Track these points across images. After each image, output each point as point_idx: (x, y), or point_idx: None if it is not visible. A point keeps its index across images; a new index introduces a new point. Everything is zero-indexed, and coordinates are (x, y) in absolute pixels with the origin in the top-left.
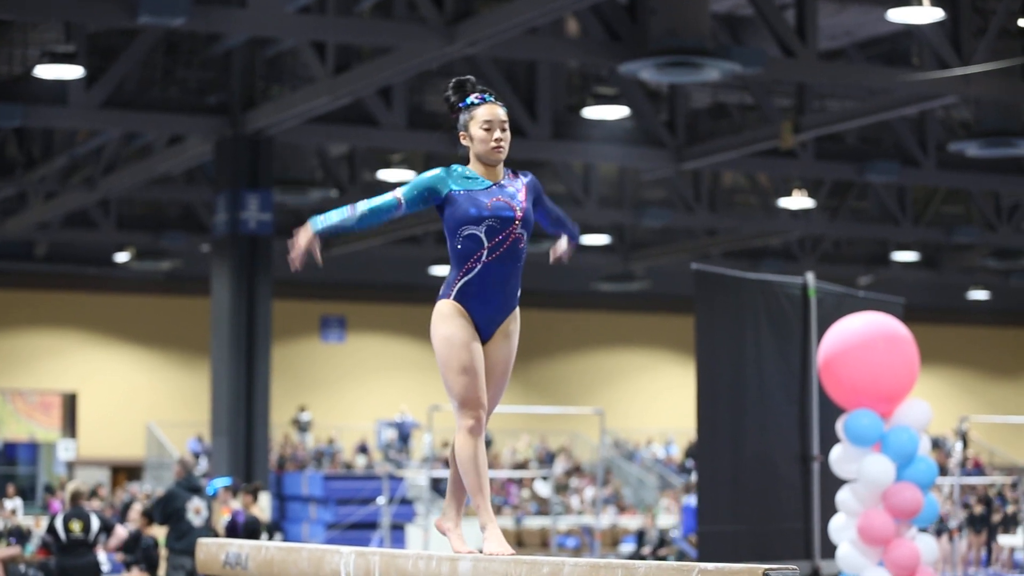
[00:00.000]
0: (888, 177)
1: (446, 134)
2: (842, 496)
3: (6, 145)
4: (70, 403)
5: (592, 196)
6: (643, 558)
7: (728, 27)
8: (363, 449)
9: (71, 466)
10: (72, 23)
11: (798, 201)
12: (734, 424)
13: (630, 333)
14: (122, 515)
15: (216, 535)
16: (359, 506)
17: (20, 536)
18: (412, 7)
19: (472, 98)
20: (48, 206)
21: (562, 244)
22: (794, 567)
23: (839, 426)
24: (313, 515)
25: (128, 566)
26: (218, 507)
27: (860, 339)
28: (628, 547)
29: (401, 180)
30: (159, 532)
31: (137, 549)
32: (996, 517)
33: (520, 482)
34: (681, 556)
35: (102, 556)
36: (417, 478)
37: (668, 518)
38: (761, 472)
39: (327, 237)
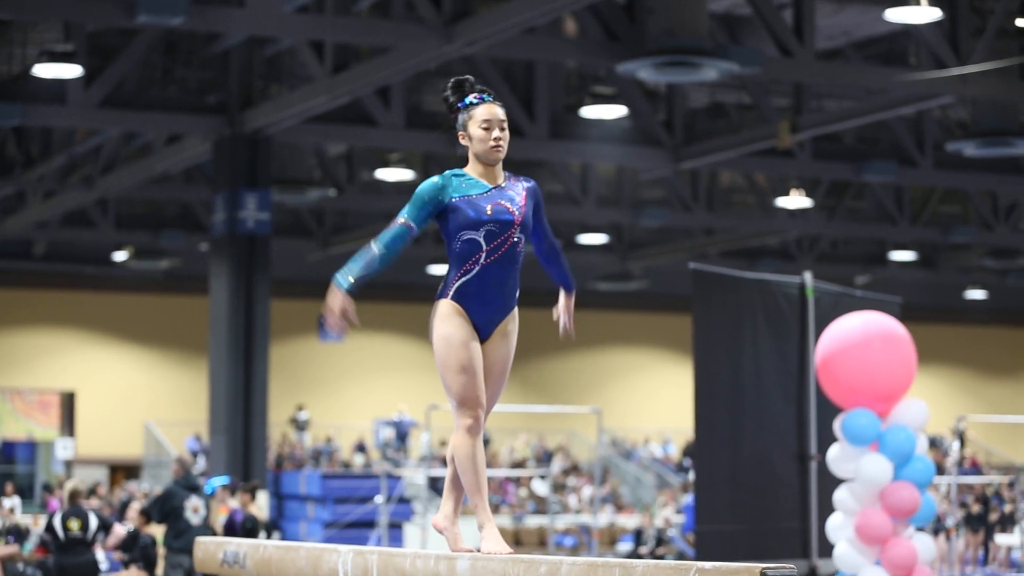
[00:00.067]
0: (885, 177)
1: (445, 134)
2: (839, 495)
3: (5, 144)
4: (68, 402)
5: (590, 196)
6: (641, 557)
7: (726, 27)
8: (361, 448)
9: (69, 465)
10: (71, 22)
11: (795, 201)
12: (732, 423)
13: (628, 332)
14: (120, 514)
15: (214, 534)
16: (357, 505)
17: (18, 535)
18: (410, 7)
19: (471, 98)
20: (47, 205)
21: (562, 306)
22: (792, 566)
23: (836, 425)
24: (311, 514)
25: (126, 564)
26: (216, 506)
27: (857, 338)
28: (626, 546)
29: (399, 180)
30: (157, 531)
31: (135, 548)
32: (993, 516)
33: (518, 481)
34: (681, 556)
35: (100, 554)
36: (415, 477)
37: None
38: (759, 471)
39: (355, 289)
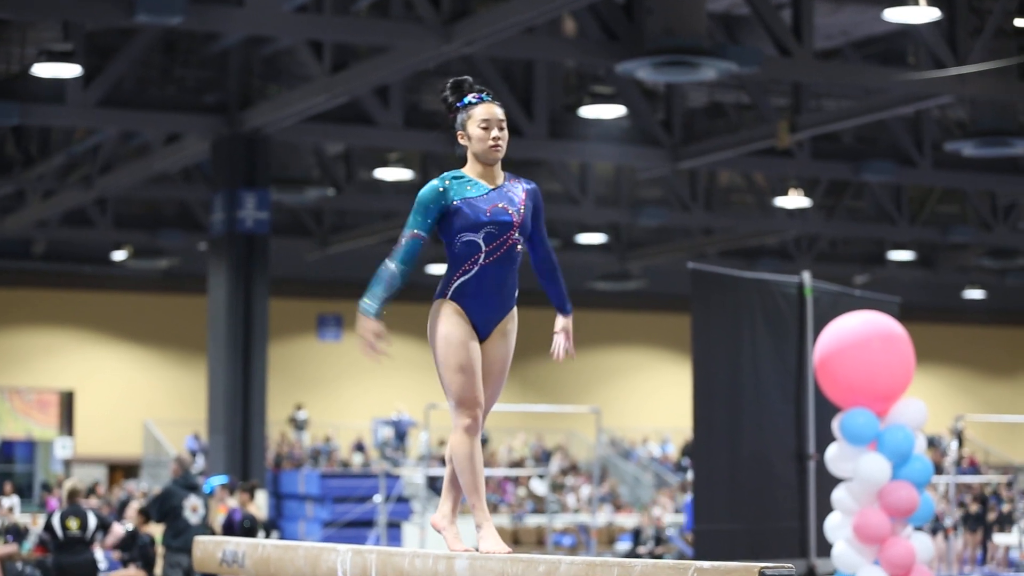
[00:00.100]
0: (884, 176)
1: (444, 134)
2: (838, 495)
3: (4, 143)
4: (67, 401)
5: (588, 195)
6: (639, 556)
7: (724, 26)
8: (360, 447)
9: (68, 464)
10: (70, 22)
11: (794, 200)
12: (730, 423)
13: (626, 332)
14: (119, 513)
15: (213, 533)
16: (355, 504)
17: (17, 534)
18: (409, 6)
19: (470, 97)
20: (46, 204)
21: (559, 327)
22: (790, 566)
23: (835, 425)
24: (310, 513)
25: (125, 564)
26: (215, 505)
27: (856, 338)
28: (624, 545)
29: (398, 179)
30: (156, 530)
31: (134, 547)
32: (991, 516)
33: (516, 480)
34: (680, 555)
35: (99, 554)
36: (413, 476)
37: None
38: (757, 471)
39: (382, 311)
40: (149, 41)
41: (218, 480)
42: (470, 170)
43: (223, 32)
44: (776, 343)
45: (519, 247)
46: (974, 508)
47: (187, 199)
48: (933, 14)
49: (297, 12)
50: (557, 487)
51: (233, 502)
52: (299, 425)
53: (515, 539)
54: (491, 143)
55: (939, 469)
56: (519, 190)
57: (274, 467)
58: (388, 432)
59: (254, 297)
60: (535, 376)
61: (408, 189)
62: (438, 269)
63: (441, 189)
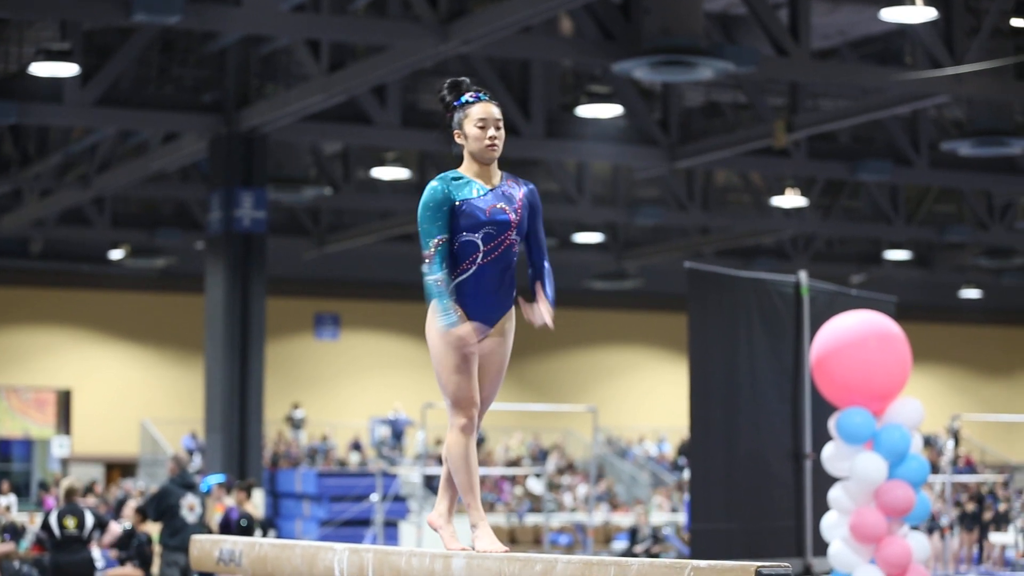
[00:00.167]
0: (881, 176)
1: (441, 133)
2: (834, 494)
3: (1, 142)
4: (64, 400)
5: (585, 194)
6: (636, 555)
7: (721, 26)
8: (357, 446)
9: (65, 463)
10: (68, 21)
11: (791, 200)
12: (727, 422)
13: (623, 331)
14: (116, 512)
15: (210, 532)
16: (352, 503)
17: (14, 532)
18: (406, 6)
19: (467, 96)
20: (43, 203)
21: (538, 296)
22: (787, 565)
23: (831, 424)
24: (307, 512)
25: (122, 562)
26: (212, 504)
27: (853, 337)
28: (621, 544)
29: (395, 178)
30: (153, 529)
31: (131, 545)
32: (987, 515)
33: (513, 479)
34: (678, 555)
35: (96, 552)
36: (410, 475)
37: (660, 515)
38: (754, 470)
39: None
40: (147, 40)
41: (215, 479)
42: (467, 170)
43: (221, 31)
44: (772, 342)
45: (516, 247)
46: (970, 507)
47: (184, 198)
48: (930, 14)
49: (294, 11)
50: (554, 486)
51: (230, 501)
52: (296, 424)
53: (512, 538)
54: (488, 142)
55: (935, 468)
56: (517, 190)
57: (271, 466)
58: (385, 431)
59: (251, 296)
60: (532, 375)
61: (405, 188)
62: None
63: (444, 189)
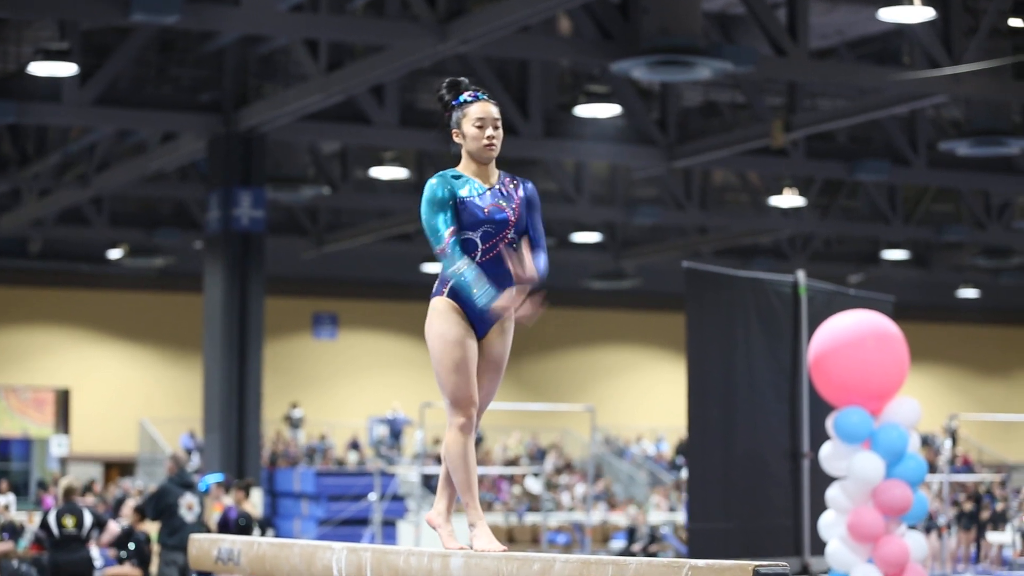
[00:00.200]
0: (878, 176)
1: (440, 133)
2: (832, 493)
3: (0, 142)
4: (63, 399)
5: (584, 194)
6: (633, 555)
7: (720, 26)
8: (355, 446)
9: (64, 462)
10: (66, 21)
11: (789, 199)
12: (725, 421)
13: (621, 330)
14: (115, 511)
15: (208, 531)
16: (351, 502)
17: (13, 532)
18: (405, 5)
19: (465, 96)
20: (42, 203)
21: (524, 255)
22: (784, 564)
23: (829, 423)
24: (305, 511)
25: (121, 561)
26: (210, 503)
27: (850, 337)
28: (619, 543)
29: (393, 178)
30: (151, 528)
31: (130, 544)
32: (985, 514)
33: (511, 479)
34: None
35: (95, 551)
36: (408, 474)
37: (658, 514)
38: (752, 469)
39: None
40: (145, 40)
41: (214, 478)
42: (465, 168)
43: (219, 31)
44: (770, 342)
45: (514, 245)
46: (968, 507)
47: (183, 198)
48: (928, 14)
49: (293, 11)
50: (552, 486)
51: (229, 500)
52: (294, 423)
53: (510, 537)
54: (486, 142)
55: (933, 468)
56: (515, 189)
57: (269, 465)
58: (383, 430)
59: (250, 295)
60: (530, 375)
61: (404, 188)
62: (432, 268)
63: (445, 183)
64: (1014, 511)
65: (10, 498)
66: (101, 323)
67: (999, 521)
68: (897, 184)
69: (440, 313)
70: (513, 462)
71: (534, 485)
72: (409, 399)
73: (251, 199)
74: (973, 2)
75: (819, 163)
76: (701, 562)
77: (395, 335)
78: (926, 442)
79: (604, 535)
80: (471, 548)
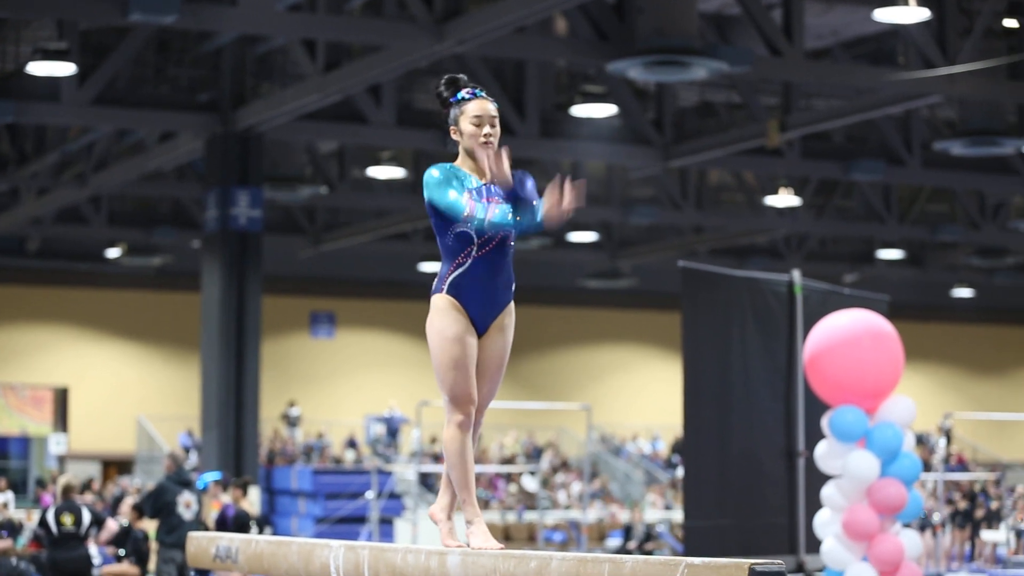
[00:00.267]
0: (873, 176)
1: (438, 132)
2: (827, 492)
3: None
4: (61, 397)
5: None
6: (629, 552)
7: (715, 26)
8: (352, 444)
9: (62, 460)
10: (64, 20)
11: (784, 199)
12: (720, 420)
13: (617, 330)
14: (113, 509)
15: (206, 529)
16: (348, 500)
17: (12, 529)
18: (402, 6)
19: (463, 93)
20: (40, 202)
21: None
22: (780, 562)
23: (824, 422)
24: (302, 509)
25: (119, 559)
26: (208, 501)
27: (845, 336)
28: (615, 542)
29: (390, 177)
30: (149, 526)
31: (128, 542)
32: (979, 513)
33: (508, 477)
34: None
35: (93, 549)
36: (405, 473)
37: (654, 512)
38: (747, 468)
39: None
40: (143, 40)
41: (211, 476)
42: (462, 164)
43: (217, 31)
44: (766, 341)
45: (511, 240)
46: (962, 505)
47: (181, 197)
48: (923, 14)
49: (290, 11)
50: (548, 484)
51: (226, 498)
52: (292, 422)
53: (506, 535)
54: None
55: (927, 466)
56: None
57: (267, 463)
58: (380, 429)
59: (247, 294)
60: (527, 373)
61: (401, 187)
62: (429, 267)
63: (446, 172)
64: (1008, 510)
65: (9, 496)
66: (99, 322)
67: (993, 520)
68: (892, 184)
69: (440, 310)
70: (509, 460)
71: (530, 483)
72: (406, 398)
73: (249, 198)
74: (968, 3)
75: (814, 163)
76: (697, 560)
77: (392, 334)
78: (921, 441)
79: (600, 533)
80: (468, 546)
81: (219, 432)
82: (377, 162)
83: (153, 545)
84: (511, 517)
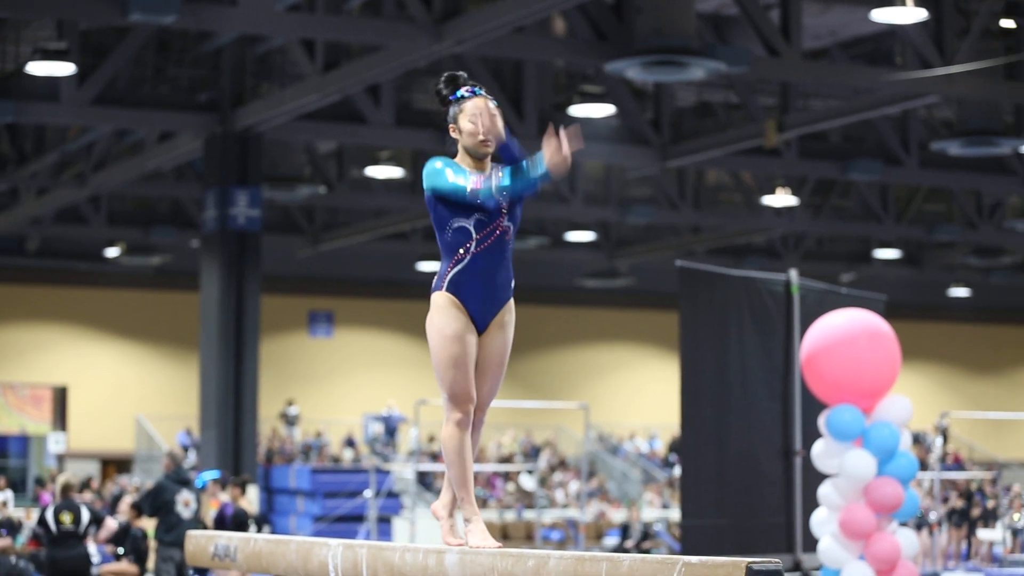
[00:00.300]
0: (871, 175)
1: (437, 132)
2: (824, 490)
3: None
4: (61, 396)
5: (578, 193)
6: (627, 551)
7: (713, 26)
8: (350, 443)
9: (61, 459)
10: (64, 20)
11: (782, 199)
12: (718, 419)
13: (615, 329)
14: (112, 507)
15: (204, 527)
16: (346, 499)
17: (11, 528)
18: (400, 6)
19: (462, 91)
20: (40, 202)
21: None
22: (777, 560)
23: (821, 421)
24: (301, 508)
25: (118, 557)
26: (207, 500)
27: (842, 336)
28: (612, 540)
29: (389, 177)
30: (148, 524)
31: (126, 541)
32: (975, 512)
33: (506, 476)
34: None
35: (92, 548)
36: (403, 471)
37: (651, 511)
38: (744, 467)
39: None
40: (143, 40)
41: (210, 475)
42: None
43: (216, 31)
44: (763, 340)
45: (510, 235)
46: (959, 504)
47: (180, 197)
48: (920, 15)
49: (289, 11)
50: (546, 483)
51: (225, 497)
52: (290, 421)
53: (504, 534)
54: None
55: (924, 465)
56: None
57: (265, 462)
58: (378, 428)
59: (246, 294)
60: (524, 373)
61: (399, 187)
62: (427, 267)
63: (447, 161)
64: (1004, 508)
65: (8, 494)
66: (98, 321)
67: (989, 518)
68: (889, 184)
69: (440, 308)
70: (507, 459)
71: (528, 482)
72: (404, 397)
73: (247, 198)
74: (965, 3)
75: (812, 163)
76: (695, 558)
77: (390, 333)
78: (917, 440)
79: (598, 532)
80: (466, 544)
81: (218, 431)
82: (376, 162)
83: (152, 543)
84: (509, 516)
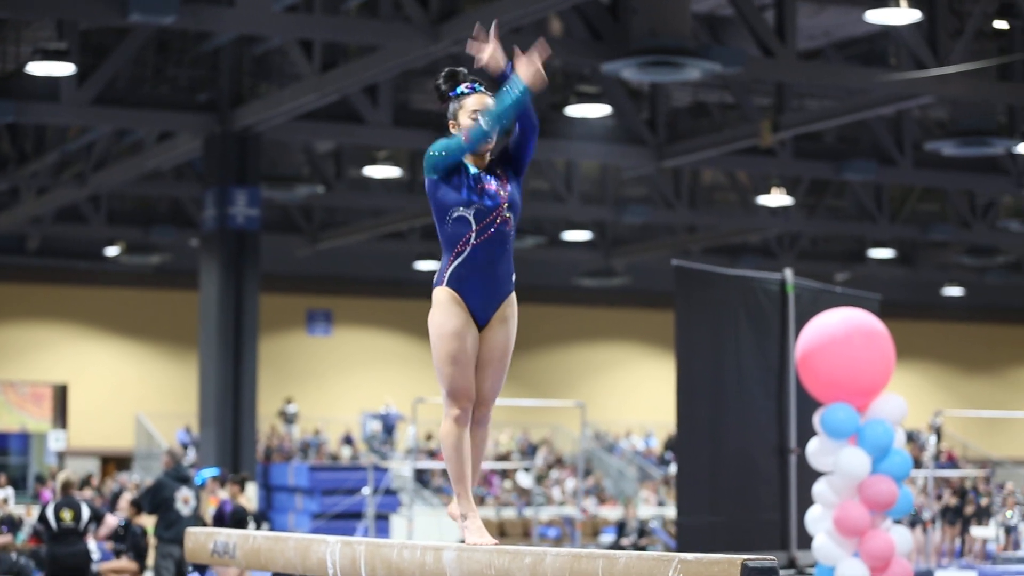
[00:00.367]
0: (865, 175)
1: (435, 132)
2: (818, 488)
3: None
4: (61, 394)
5: (574, 193)
6: (623, 548)
7: (708, 27)
8: (348, 440)
9: (62, 456)
10: (64, 21)
11: (777, 199)
12: (713, 418)
13: (611, 328)
14: (112, 504)
15: (204, 524)
16: (344, 496)
17: (11, 525)
18: (398, 6)
19: (462, 87)
20: (40, 201)
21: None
22: (772, 558)
23: (816, 419)
24: (299, 505)
25: (118, 554)
26: (206, 497)
27: (837, 334)
28: (608, 537)
29: (387, 177)
30: (148, 521)
31: (126, 538)
32: (969, 509)
33: (503, 473)
34: (665, 548)
35: (92, 545)
36: (401, 469)
37: (647, 509)
38: (739, 465)
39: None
40: (142, 40)
41: (209, 472)
42: None
43: (215, 31)
44: (758, 339)
45: (509, 227)
46: (952, 502)
47: (179, 196)
48: (914, 16)
49: (287, 12)
50: (543, 480)
51: (224, 494)
52: (289, 419)
53: (501, 531)
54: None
55: (918, 463)
56: (504, 170)
57: (264, 460)
58: (376, 426)
59: (245, 293)
60: (521, 371)
61: (397, 187)
62: (425, 266)
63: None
64: (998, 506)
65: (8, 492)
66: (98, 319)
67: (983, 516)
68: (883, 184)
69: (440, 304)
70: (504, 457)
71: (525, 480)
72: (402, 395)
73: (246, 197)
74: (959, 4)
75: (806, 163)
76: (690, 556)
77: (388, 332)
78: (911, 438)
79: (594, 529)
80: (463, 541)
81: (217, 429)
82: (373, 162)
83: (151, 541)
84: (506, 513)
